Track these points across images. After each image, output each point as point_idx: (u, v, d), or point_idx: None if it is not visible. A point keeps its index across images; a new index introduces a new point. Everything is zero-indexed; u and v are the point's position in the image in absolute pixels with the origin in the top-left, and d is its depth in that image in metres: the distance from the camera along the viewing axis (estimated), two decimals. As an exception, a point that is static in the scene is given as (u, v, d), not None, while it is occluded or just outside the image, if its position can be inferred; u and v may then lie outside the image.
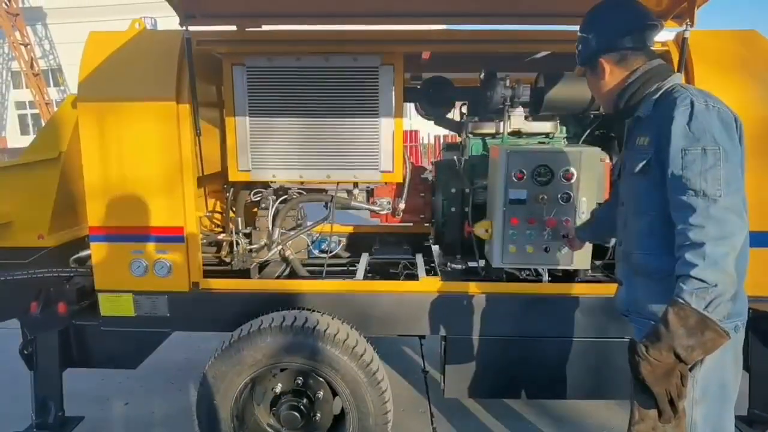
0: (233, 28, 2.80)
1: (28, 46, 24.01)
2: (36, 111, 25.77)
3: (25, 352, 2.87)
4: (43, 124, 25.46)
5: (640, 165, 1.72)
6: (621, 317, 1.97)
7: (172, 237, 2.72)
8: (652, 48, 1.88)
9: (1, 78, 26.60)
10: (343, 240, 3.88)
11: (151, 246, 2.73)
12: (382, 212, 3.35)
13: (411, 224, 3.62)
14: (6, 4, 22.95)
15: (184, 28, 2.58)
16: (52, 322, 2.88)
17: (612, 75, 1.86)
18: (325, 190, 3.33)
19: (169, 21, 2.58)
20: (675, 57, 2.63)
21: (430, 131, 17.90)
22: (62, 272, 3.00)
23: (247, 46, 2.84)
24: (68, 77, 25.35)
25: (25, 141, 25.68)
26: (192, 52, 2.58)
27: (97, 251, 2.77)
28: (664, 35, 2.72)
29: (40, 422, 2.87)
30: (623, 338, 2.77)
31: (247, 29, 2.83)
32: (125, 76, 2.68)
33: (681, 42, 2.55)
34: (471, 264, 3.11)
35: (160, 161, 2.67)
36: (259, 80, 2.86)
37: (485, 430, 3.38)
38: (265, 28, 2.92)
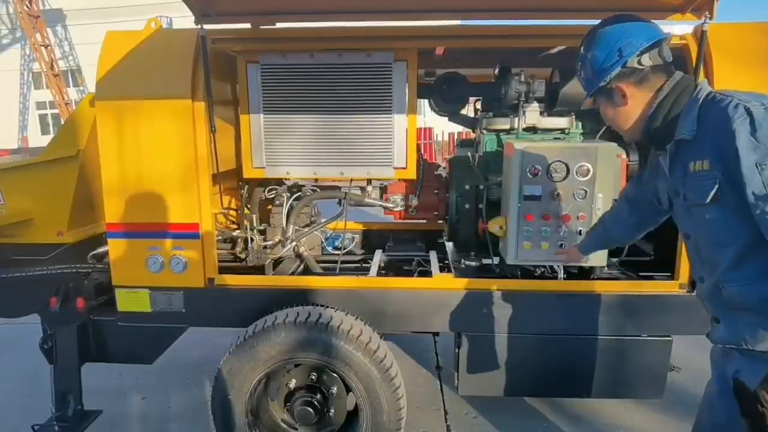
0: (247, 26, 2.81)
1: (49, 48, 24.37)
2: (56, 111, 26.16)
3: (45, 346, 2.92)
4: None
5: (711, 193, 1.51)
6: (727, 351, 1.71)
7: (188, 234, 2.74)
8: (670, 62, 1.71)
9: (23, 79, 27.03)
10: (357, 237, 3.88)
11: (167, 242, 2.76)
12: (395, 209, 3.35)
13: (425, 221, 3.62)
14: (27, 7, 23.31)
15: (199, 26, 2.60)
16: (70, 317, 2.94)
17: (635, 99, 1.69)
18: (339, 187, 3.33)
19: (186, 20, 2.60)
20: (693, 51, 2.57)
21: (444, 128, 17.82)
22: (80, 268, 3.05)
23: (261, 43, 2.85)
24: (87, 77, 25.71)
25: (46, 141, 25.94)
26: (207, 50, 2.60)
27: (114, 247, 2.81)
28: (682, 28, 2.67)
29: (60, 415, 2.92)
30: (639, 336, 2.75)
31: (261, 27, 2.83)
32: (142, 75, 2.71)
33: (700, 35, 2.49)
34: (485, 261, 3.09)
35: (175, 159, 2.70)
36: (273, 77, 2.87)
37: (499, 427, 3.36)
38: (279, 25, 2.93)
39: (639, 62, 1.66)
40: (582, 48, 1.82)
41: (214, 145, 2.75)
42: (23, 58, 26.53)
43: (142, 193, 2.73)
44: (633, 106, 1.72)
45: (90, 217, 3.19)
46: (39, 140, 26.51)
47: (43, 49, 24.08)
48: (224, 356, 2.68)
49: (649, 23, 1.73)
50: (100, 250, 3.08)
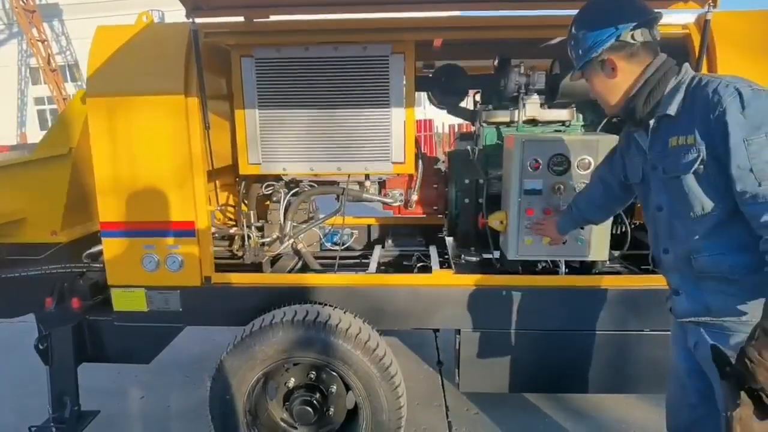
0: (241, 19, 2.75)
1: (45, 43, 24.25)
2: (54, 106, 26.09)
3: (41, 347, 2.88)
4: (60, 119, 25.83)
5: (695, 165, 1.59)
6: (685, 324, 1.82)
7: (183, 231, 2.70)
8: (658, 41, 1.76)
9: (20, 74, 26.94)
10: (356, 232, 3.84)
11: (162, 241, 2.72)
12: (394, 204, 3.31)
13: (424, 216, 3.57)
14: (23, 1, 23.17)
15: (190, 20, 2.54)
16: (66, 318, 2.90)
17: (624, 73, 1.75)
18: (337, 182, 3.28)
19: (180, 14, 2.55)
20: (696, 40, 2.51)
21: (444, 120, 17.76)
22: (75, 268, 3.02)
23: (254, 37, 2.79)
24: (85, 72, 25.62)
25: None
26: (199, 44, 2.55)
27: (108, 246, 2.77)
28: (685, 17, 2.62)
29: (57, 416, 2.89)
30: (642, 331, 2.71)
31: (254, 20, 2.78)
32: (133, 71, 2.65)
33: (703, 24, 2.43)
34: (486, 256, 3.05)
35: (169, 156, 2.65)
36: (268, 71, 2.81)
37: (501, 423, 3.34)
38: (272, 18, 2.87)
39: (632, 37, 1.71)
40: (575, 21, 1.85)
41: (209, 141, 2.70)
42: (20, 54, 26.43)
43: (136, 191, 2.69)
44: (621, 79, 1.77)
45: (84, 216, 3.15)
46: (37, 136, 26.44)
47: (39, 44, 23.97)
48: (222, 355, 2.65)
49: (641, 2, 1.77)
50: (95, 249, 3.05)
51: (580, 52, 1.81)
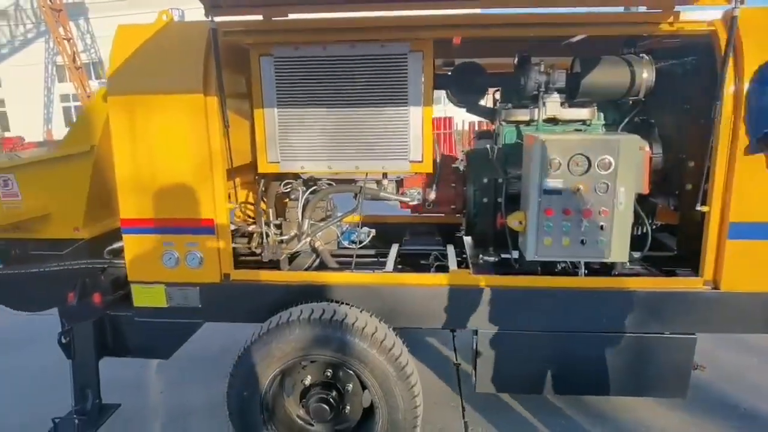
0: (259, 17, 2.76)
1: (71, 41, 24.72)
2: (79, 103, 26.59)
3: (63, 341, 2.94)
4: (84, 116, 26.33)
5: None
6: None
7: (203, 229, 2.73)
8: None
9: (47, 72, 27.50)
10: (373, 231, 3.83)
11: (182, 238, 2.75)
12: (411, 203, 3.29)
13: (442, 215, 3.56)
14: (50, 1, 23.63)
15: (209, 18, 2.56)
16: (87, 312, 2.96)
17: None
18: (355, 181, 3.28)
19: (199, 13, 2.56)
20: (722, 38, 2.45)
21: (464, 118, 17.63)
22: (96, 263, 3.06)
23: (273, 35, 2.80)
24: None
25: (70, 133, 26.59)
26: (218, 43, 2.56)
27: (129, 243, 2.81)
28: (711, 14, 2.55)
29: (79, 408, 2.95)
30: (662, 334, 2.67)
31: (273, 18, 2.78)
32: (153, 69, 2.69)
33: (730, 21, 2.36)
34: (504, 256, 3.03)
35: (189, 154, 2.68)
36: (287, 70, 2.82)
37: (517, 424, 3.32)
38: (291, 17, 2.88)
39: None
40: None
41: (228, 139, 2.72)
42: (47, 52, 26.99)
43: (157, 188, 2.73)
44: None
45: (105, 213, 3.19)
46: (63, 132, 26.99)
47: (65, 42, 24.43)
48: (240, 352, 2.67)
49: None
50: (116, 245, 3.09)
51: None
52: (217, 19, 2.58)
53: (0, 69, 27.68)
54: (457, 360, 3.95)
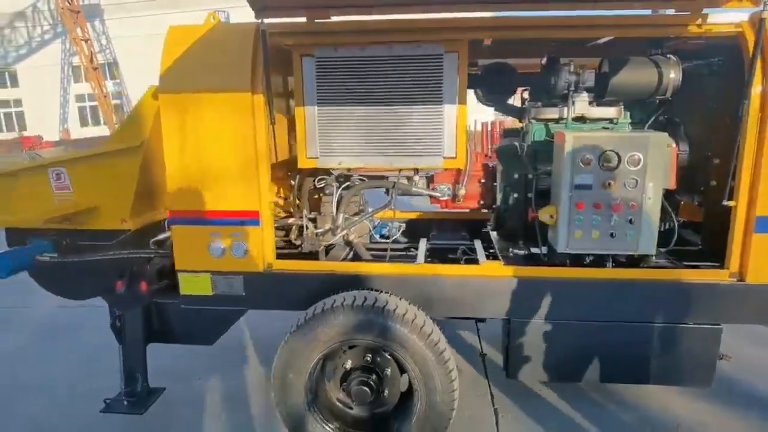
0: (302, 19, 2.89)
1: (88, 41, 25.05)
2: (94, 103, 26.92)
3: (117, 325, 3.09)
4: (102, 116, 26.66)
5: None
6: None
7: (249, 221, 2.87)
8: None
9: (63, 72, 27.85)
10: (403, 225, 3.96)
11: (228, 229, 2.89)
12: (442, 198, 3.42)
13: (468, 210, 3.67)
14: (68, 2, 23.97)
15: (260, 20, 2.69)
16: (135, 300, 3.10)
17: None
18: (386, 177, 3.41)
19: (241, 14, 2.68)
20: (750, 40, 2.55)
21: (476, 118, 17.63)
22: (143, 253, 3.21)
23: (315, 37, 2.93)
24: (123, 70, 26.40)
25: (85, 132, 26.94)
26: (267, 43, 2.70)
27: (177, 234, 2.96)
28: (738, 16, 2.65)
29: (129, 390, 3.10)
30: (687, 324, 2.77)
31: (315, 20, 2.92)
32: (202, 69, 2.83)
33: (758, 23, 2.45)
34: (533, 250, 3.14)
35: (236, 149, 2.82)
36: (327, 70, 2.95)
37: (546, 412, 3.42)
38: (332, 19, 3.01)
39: None
40: None
41: (274, 135, 2.85)
42: (64, 53, 27.33)
43: (204, 182, 2.86)
44: None
45: (150, 205, 3.34)
46: (79, 132, 27.37)
47: (83, 43, 24.75)
48: (286, 336, 2.80)
49: None
50: (161, 236, 3.25)
51: None
52: (265, 20, 2.71)
53: (18, 69, 28.08)
54: (482, 350, 4.05)
